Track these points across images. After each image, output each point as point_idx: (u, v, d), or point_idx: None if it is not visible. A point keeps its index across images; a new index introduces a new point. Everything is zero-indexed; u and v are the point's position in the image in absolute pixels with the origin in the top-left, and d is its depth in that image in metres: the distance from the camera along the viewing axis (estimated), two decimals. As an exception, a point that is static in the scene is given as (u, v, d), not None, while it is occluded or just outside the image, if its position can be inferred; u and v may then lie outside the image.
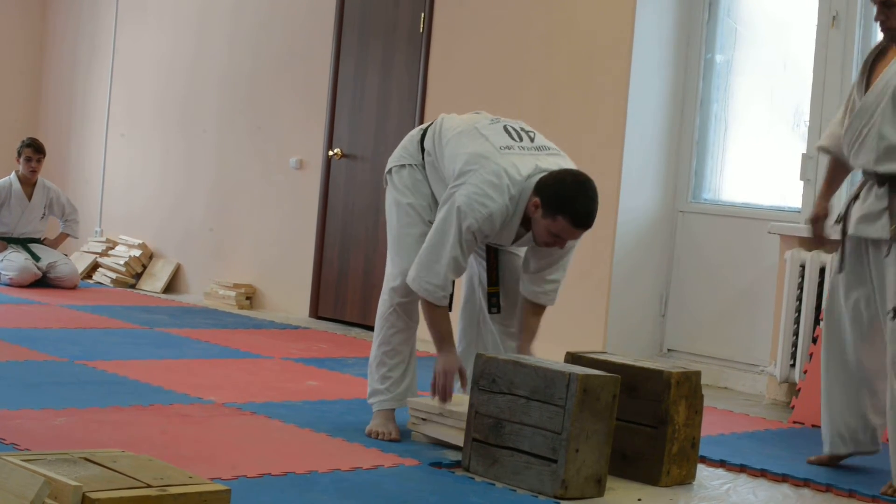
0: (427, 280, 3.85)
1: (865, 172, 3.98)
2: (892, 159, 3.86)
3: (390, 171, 4.16)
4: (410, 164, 4.10)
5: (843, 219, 4.07)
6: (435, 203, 4.06)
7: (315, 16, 7.77)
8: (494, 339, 4.19)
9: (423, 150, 4.09)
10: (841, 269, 4.09)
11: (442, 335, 3.95)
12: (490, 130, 3.95)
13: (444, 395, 3.93)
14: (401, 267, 4.04)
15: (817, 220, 4.21)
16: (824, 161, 5.65)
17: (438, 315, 3.92)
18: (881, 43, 4.02)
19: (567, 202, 3.70)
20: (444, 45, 6.99)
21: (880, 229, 3.88)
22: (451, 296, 3.95)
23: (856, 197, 4.03)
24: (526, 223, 3.84)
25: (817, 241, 4.26)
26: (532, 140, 3.96)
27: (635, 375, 3.70)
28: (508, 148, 3.88)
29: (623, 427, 3.57)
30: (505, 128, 3.97)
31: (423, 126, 4.19)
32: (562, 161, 3.91)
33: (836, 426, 4.14)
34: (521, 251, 4.20)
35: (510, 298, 4.17)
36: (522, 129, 4.00)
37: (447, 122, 4.08)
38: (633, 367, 3.74)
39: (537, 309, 4.05)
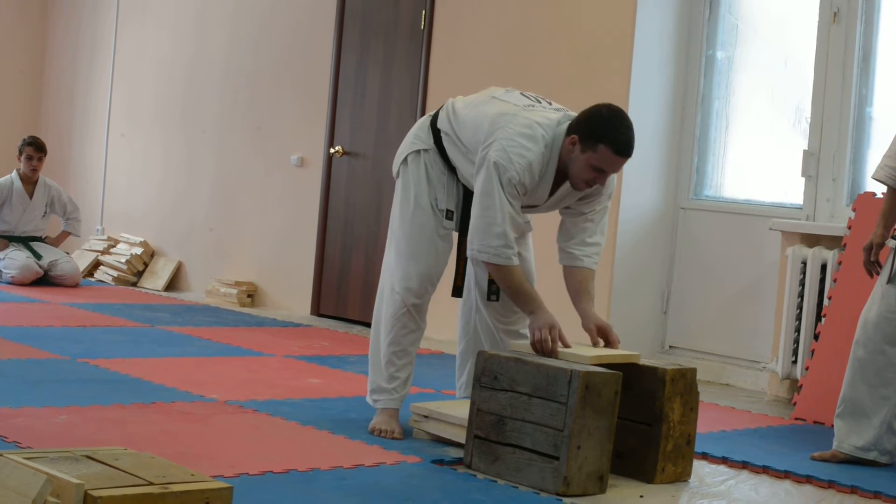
0: (490, 245, 3.76)
1: None
2: None
3: (405, 160, 4.08)
4: (424, 150, 4.05)
5: (886, 233, 4.13)
6: (451, 184, 4.03)
7: (316, 13, 7.77)
8: (492, 338, 4.16)
9: (435, 133, 4.04)
10: (890, 279, 4.11)
11: (529, 294, 3.81)
12: (508, 96, 3.96)
13: (549, 350, 3.69)
14: (416, 269, 4.01)
15: (873, 248, 4.17)
16: (827, 158, 5.68)
17: (515, 277, 3.81)
18: None
19: (607, 131, 3.67)
20: (445, 43, 6.99)
21: None
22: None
23: None
24: (559, 175, 3.81)
25: (868, 266, 4.18)
26: (550, 104, 3.97)
27: (630, 372, 3.69)
28: (531, 106, 3.88)
29: (618, 424, 3.56)
30: (521, 93, 3.99)
31: (431, 113, 4.16)
32: None
33: (860, 429, 4.14)
34: (528, 252, 4.18)
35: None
36: (538, 96, 4.01)
37: (460, 100, 4.06)
38: (627, 365, 3.73)
39: (586, 274, 3.94)
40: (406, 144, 4.13)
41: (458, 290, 4.20)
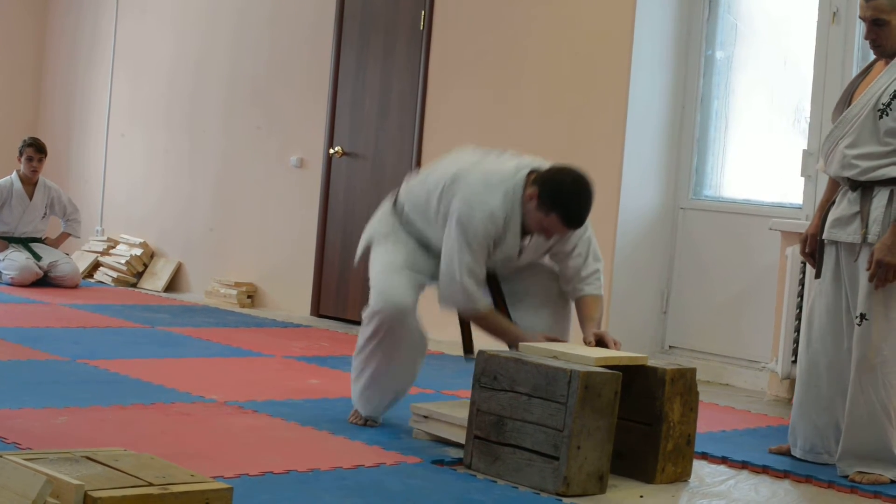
0: (454, 297, 3.91)
1: (840, 179, 4.02)
2: (864, 165, 3.90)
3: (369, 248, 4.16)
4: (388, 233, 4.13)
5: (822, 224, 4.09)
6: (421, 248, 4.08)
7: (315, 14, 7.77)
8: None
9: (398, 211, 4.13)
10: (818, 275, 4.10)
11: (509, 330, 3.97)
12: (459, 153, 4.10)
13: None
14: (379, 288, 4.03)
15: (808, 239, 4.17)
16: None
17: (490, 321, 3.97)
18: (865, 67, 4.12)
19: (562, 202, 3.77)
20: (444, 43, 6.99)
21: (852, 234, 3.94)
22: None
23: (833, 203, 4.07)
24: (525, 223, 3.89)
25: (804, 257, 4.20)
26: (501, 155, 4.06)
27: (630, 373, 3.69)
28: (483, 158, 4.00)
29: (618, 424, 3.57)
30: (472, 150, 4.11)
31: (393, 197, 4.23)
32: (541, 162, 3.94)
33: (809, 436, 4.13)
34: (537, 272, 4.18)
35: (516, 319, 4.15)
36: (488, 150, 4.11)
37: (413, 176, 4.20)
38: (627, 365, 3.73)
39: (589, 301, 4.04)
40: (371, 230, 4.19)
41: (468, 350, 4.23)
